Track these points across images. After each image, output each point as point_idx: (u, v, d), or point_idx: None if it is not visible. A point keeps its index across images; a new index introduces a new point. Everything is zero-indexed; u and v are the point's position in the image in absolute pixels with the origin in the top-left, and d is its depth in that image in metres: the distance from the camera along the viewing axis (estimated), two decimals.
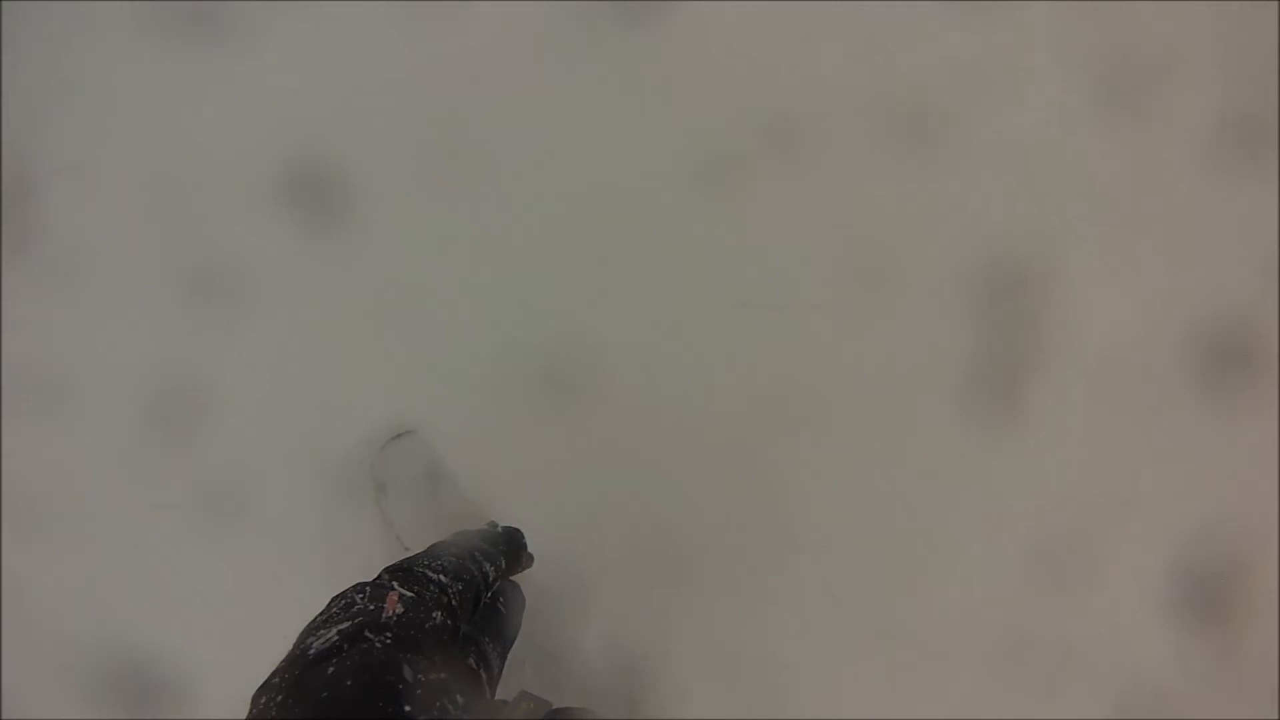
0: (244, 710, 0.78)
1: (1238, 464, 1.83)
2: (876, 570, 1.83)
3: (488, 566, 1.08)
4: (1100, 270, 1.79)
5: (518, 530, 1.29)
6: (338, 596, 0.88)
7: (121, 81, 1.76)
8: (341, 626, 0.77)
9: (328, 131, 1.75)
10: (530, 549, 1.30)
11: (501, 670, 1.16)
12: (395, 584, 0.89)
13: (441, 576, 0.96)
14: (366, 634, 0.75)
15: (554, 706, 0.74)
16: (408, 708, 0.66)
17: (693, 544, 1.78)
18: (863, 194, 1.77)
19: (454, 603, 0.94)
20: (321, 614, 0.86)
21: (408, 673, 0.71)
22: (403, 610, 0.81)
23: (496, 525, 1.29)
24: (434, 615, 0.87)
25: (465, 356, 1.78)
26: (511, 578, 1.25)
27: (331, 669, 0.70)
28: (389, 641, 0.76)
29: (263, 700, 0.72)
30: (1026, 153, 1.78)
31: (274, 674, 0.75)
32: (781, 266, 1.78)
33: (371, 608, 0.81)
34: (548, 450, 1.77)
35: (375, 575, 0.94)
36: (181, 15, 1.71)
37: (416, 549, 1.16)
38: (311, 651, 0.75)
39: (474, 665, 1.01)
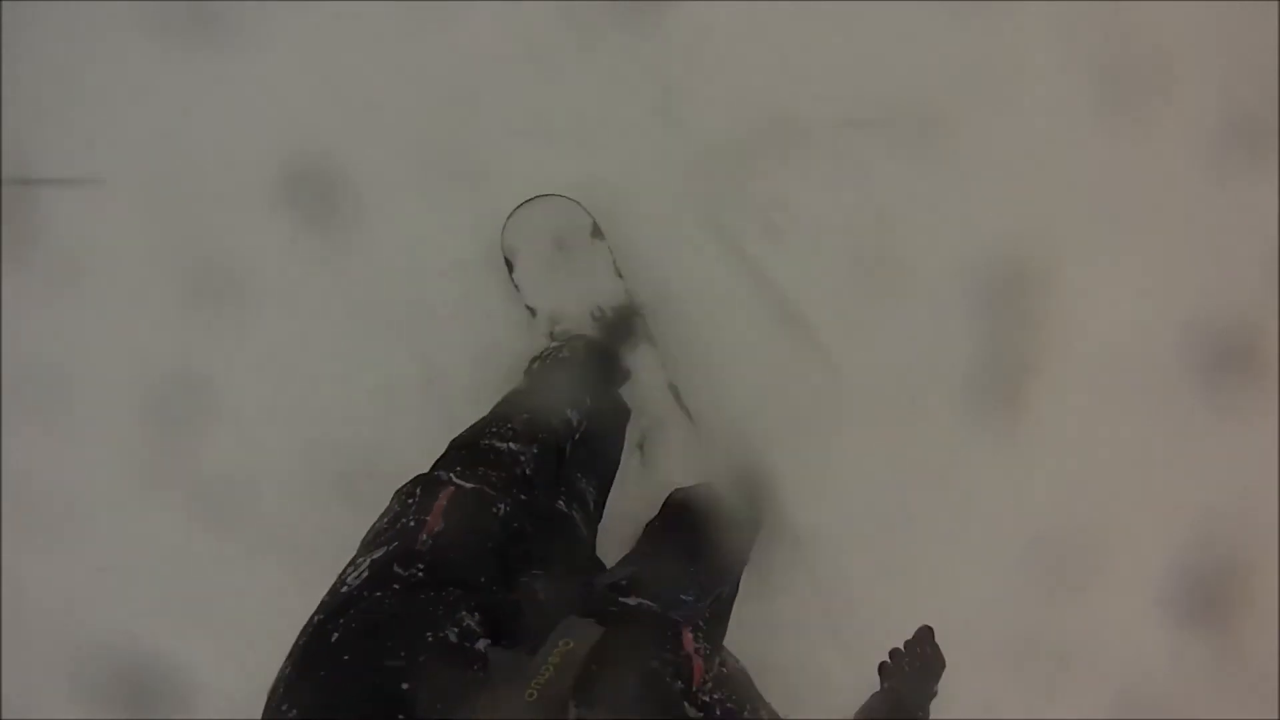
0: (244, 709, 0.78)
1: (1238, 464, 1.83)
2: (877, 570, 1.83)
3: (568, 413, 1.04)
4: (1101, 270, 1.79)
5: (607, 345, 1.22)
6: (400, 493, 0.82)
7: (121, 82, 1.76)
8: (375, 555, 0.74)
9: (327, 132, 1.74)
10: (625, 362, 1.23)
11: (605, 498, 1.17)
12: (453, 475, 0.84)
13: (511, 444, 0.91)
14: (395, 570, 0.72)
15: (602, 633, 0.67)
16: (405, 685, 0.63)
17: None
18: (863, 194, 1.77)
19: (527, 471, 0.89)
20: (379, 519, 0.81)
21: (410, 638, 0.66)
22: (442, 526, 0.77)
23: (579, 340, 1.19)
24: (495, 508, 0.82)
25: (465, 355, 1.78)
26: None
27: (336, 635, 0.68)
28: (418, 576, 0.72)
29: (299, 638, 0.70)
30: (1027, 153, 1.77)
31: (317, 609, 0.72)
32: (782, 267, 1.79)
33: (412, 524, 0.77)
34: None
35: (443, 451, 0.88)
36: (181, 16, 1.70)
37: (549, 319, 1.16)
38: (343, 589, 0.71)
39: (564, 508, 0.99)
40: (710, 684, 0.73)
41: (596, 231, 1.71)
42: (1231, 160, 1.74)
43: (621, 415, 1.34)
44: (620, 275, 1.71)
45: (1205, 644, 1.82)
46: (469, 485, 0.83)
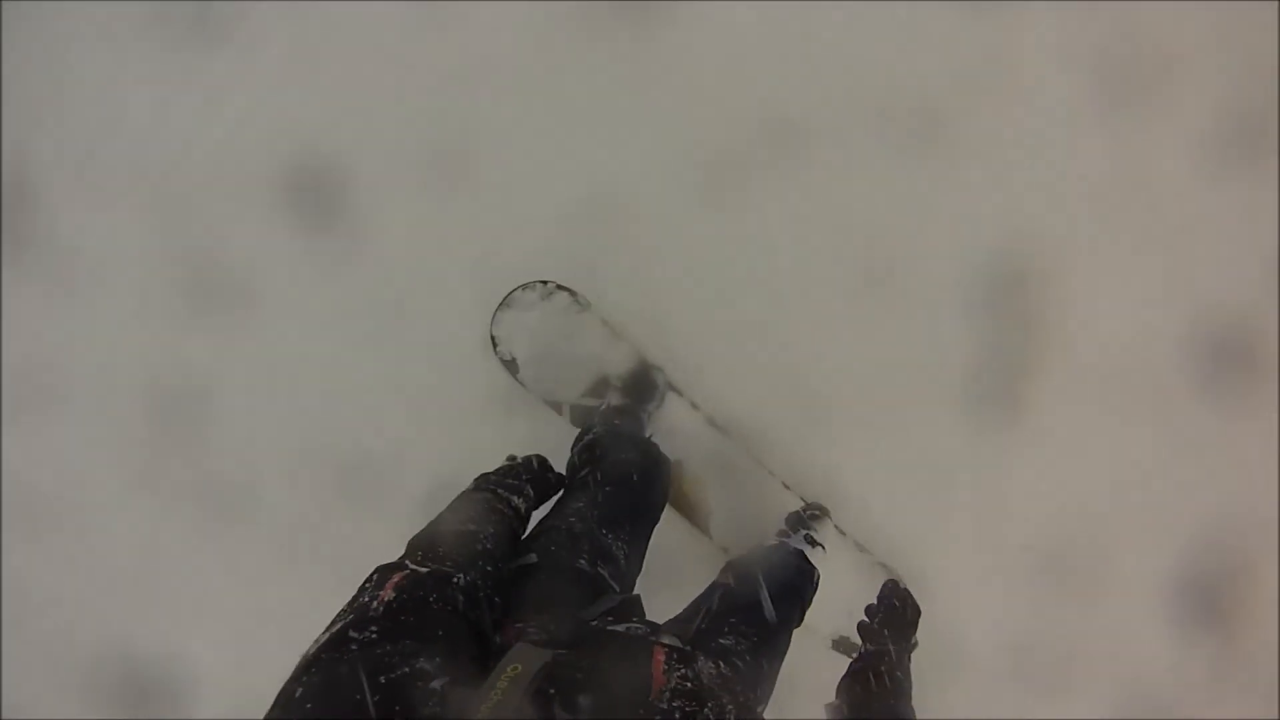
0: (244, 710, 0.79)
1: (1238, 464, 1.83)
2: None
3: (516, 500, 1.13)
4: (1101, 270, 1.79)
5: (534, 457, 1.31)
6: (361, 583, 0.90)
7: (121, 82, 1.76)
8: (334, 628, 0.81)
9: (328, 132, 1.74)
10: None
11: (643, 548, 1.28)
12: (409, 562, 0.91)
13: (469, 525, 1.01)
14: (350, 634, 0.79)
15: (550, 657, 0.77)
16: None
17: (696, 544, 1.78)
18: (865, 195, 1.77)
19: (489, 546, 0.98)
20: (347, 602, 0.88)
21: (368, 681, 0.73)
22: (394, 596, 0.83)
23: (515, 457, 1.31)
24: (455, 579, 0.90)
25: (465, 356, 1.78)
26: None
27: (300, 690, 0.74)
28: (372, 637, 0.78)
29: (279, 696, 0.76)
30: (1027, 153, 1.78)
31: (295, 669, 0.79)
32: (783, 267, 1.78)
33: (366, 599, 0.84)
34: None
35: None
36: (182, 16, 1.71)
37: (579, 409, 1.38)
38: (310, 653, 0.78)
39: (586, 566, 1.10)
40: (669, 694, 0.80)
41: (582, 304, 1.72)
42: (1232, 160, 1.74)
43: (655, 469, 1.43)
44: (622, 335, 1.71)
45: (1206, 644, 1.82)
46: (424, 569, 0.90)
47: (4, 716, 1.79)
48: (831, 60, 1.76)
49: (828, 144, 1.76)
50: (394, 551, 0.99)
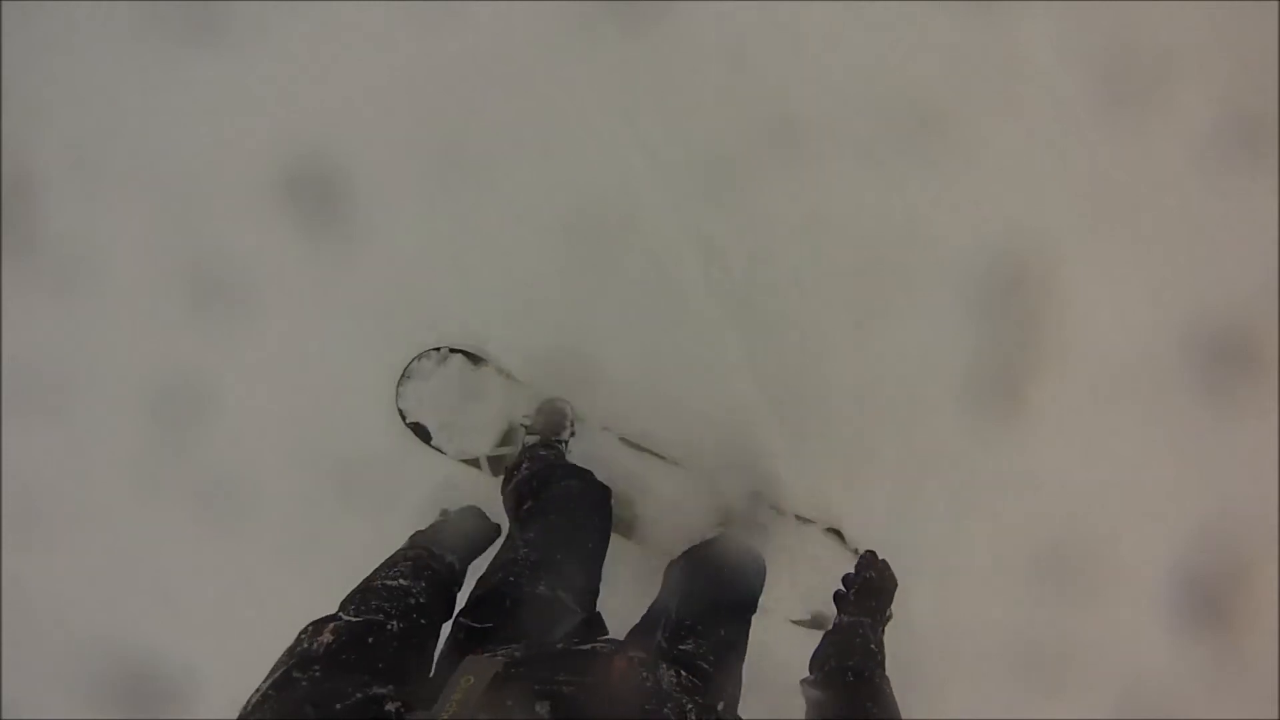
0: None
1: (1238, 464, 1.83)
2: None
3: (449, 558, 1.17)
4: (1101, 270, 1.78)
5: (470, 509, 1.33)
6: (298, 634, 0.93)
7: (122, 82, 1.76)
8: (275, 673, 0.83)
9: (329, 132, 1.74)
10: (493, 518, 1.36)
11: (598, 570, 1.29)
12: (343, 614, 0.94)
13: (401, 580, 1.04)
14: (294, 674, 0.81)
15: (501, 666, 0.78)
16: None
17: (643, 552, 1.77)
18: (864, 195, 1.77)
19: (421, 600, 1.01)
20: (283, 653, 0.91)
21: (323, 710, 0.75)
22: (332, 639, 0.86)
23: (447, 511, 1.33)
24: (389, 625, 0.93)
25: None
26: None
27: None
28: (317, 675, 0.80)
29: None
30: (1028, 153, 1.77)
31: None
32: (782, 267, 1.78)
33: (305, 645, 0.87)
34: None
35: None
36: (182, 16, 1.71)
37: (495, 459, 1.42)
38: (254, 698, 0.80)
39: (546, 591, 1.13)
40: (628, 692, 0.81)
41: (476, 360, 1.76)
42: (1231, 160, 1.74)
43: (593, 496, 1.45)
44: (520, 380, 1.76)
45: (1206, 644, 1.82)
46: (357, 619, 0.93)
47: (4, 717, 1.79)
48: (831, 61, 1.76)
49: (826, 145, 1.76)
50: (393, 548, 1.00)
